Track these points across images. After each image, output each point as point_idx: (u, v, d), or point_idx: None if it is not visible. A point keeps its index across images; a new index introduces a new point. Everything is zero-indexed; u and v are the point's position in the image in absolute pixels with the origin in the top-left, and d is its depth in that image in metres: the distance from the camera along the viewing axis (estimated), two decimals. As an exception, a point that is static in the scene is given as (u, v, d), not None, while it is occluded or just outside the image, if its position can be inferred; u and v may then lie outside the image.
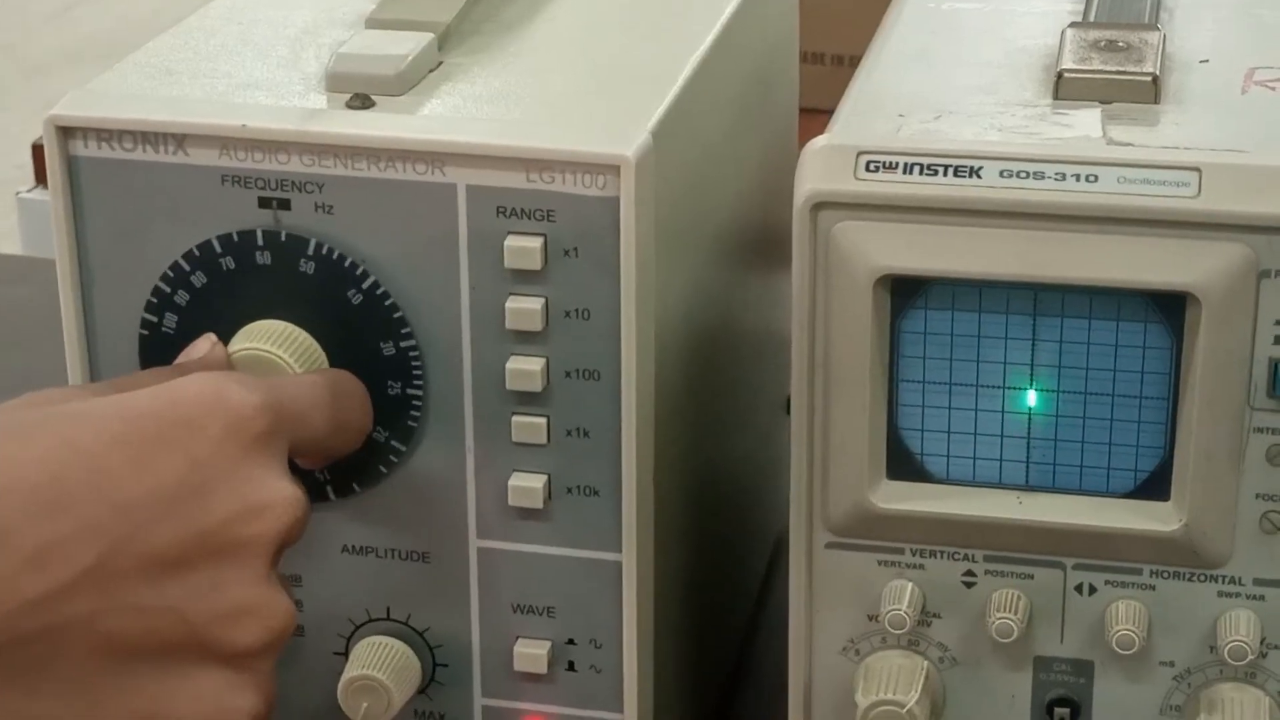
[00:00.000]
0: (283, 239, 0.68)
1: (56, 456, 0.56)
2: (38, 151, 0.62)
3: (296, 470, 0.67)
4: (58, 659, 0.55)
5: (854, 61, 0.75)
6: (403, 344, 0.68)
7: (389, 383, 0.68)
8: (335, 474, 0.70)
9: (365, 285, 0.67)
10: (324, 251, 0.67)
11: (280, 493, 0.60)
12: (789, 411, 0.67)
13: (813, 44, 1.48)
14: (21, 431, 0.57)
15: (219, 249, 0.68)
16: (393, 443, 0.69)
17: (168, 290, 0.69)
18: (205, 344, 0.67)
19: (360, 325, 0.68)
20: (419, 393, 0.68)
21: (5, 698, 0.55)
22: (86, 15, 3.80)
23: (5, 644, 0.54)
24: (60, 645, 0.55)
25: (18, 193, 1.66)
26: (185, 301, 0.69)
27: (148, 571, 0.57)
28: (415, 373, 0.68)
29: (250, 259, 0.68)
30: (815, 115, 0.81)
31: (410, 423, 0.69)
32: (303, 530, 0.61)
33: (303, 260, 0.68)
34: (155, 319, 0.69)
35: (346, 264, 0.67)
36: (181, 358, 0.67)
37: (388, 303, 0.68)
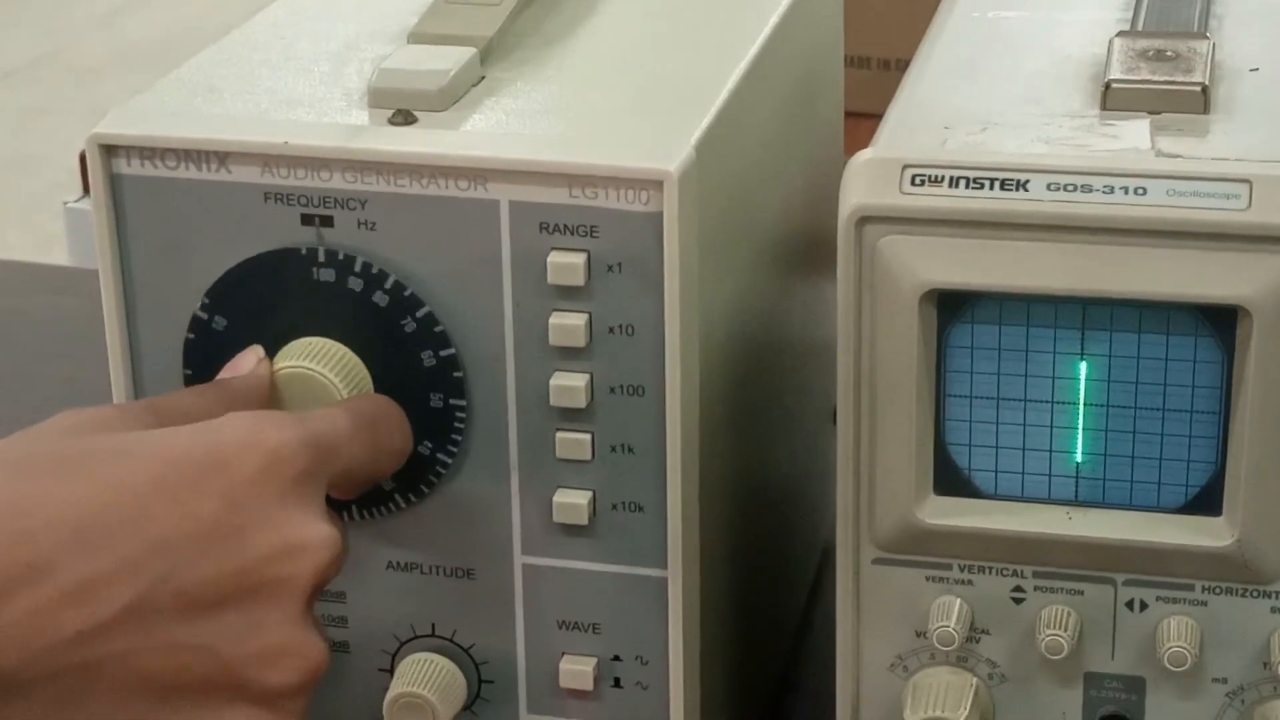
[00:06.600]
0: (325, 256, 0.68)
1: (99, 495, 0.56)
2: (85, 160, 0.62)
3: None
4: (94, 694, 0.56)
5: (900, 65, 0.74)
6: (446, 360, 0.68)
7: (432, 399, 0.68)
8: (380, 491, 0.70)
9: (408, 302, 0.67)
10: (367, 268, 0.67)
11: (317, 533, 0.60)
12: (835, 421, 0.66)
13: (859, 48, 1.48)
14: (65, 467, 0.57)
15: (262, 266, 0.68)
16: (437, 458, 0.69)
17: (211, 307, 0.69)
18: (252, 358, 0.67)
19: (403, 342, 0.68)
20: (462, 409, 0.68)
21: None
22: (134, 21, 3.82)
23: (43, 678, 0.55)
24: (96, 681, 0.56)
25: (65, 202, 1.65)
26: (228, 319, 0.69)
27: (184, 610, 0.57)
28: (458, 389, 0.68)
29: (293, 276, 0.68)
30: (862, 120, 0.81)
31: (454, 439, 0.69)
32: (339, 569, 0.61)
33: (346, 277, 0.67)
34: (198, 336, 0.69)
35: (389, 280, 0.67)
36: (226, 371, 0.67)
37: (431, 319, 0.67)
